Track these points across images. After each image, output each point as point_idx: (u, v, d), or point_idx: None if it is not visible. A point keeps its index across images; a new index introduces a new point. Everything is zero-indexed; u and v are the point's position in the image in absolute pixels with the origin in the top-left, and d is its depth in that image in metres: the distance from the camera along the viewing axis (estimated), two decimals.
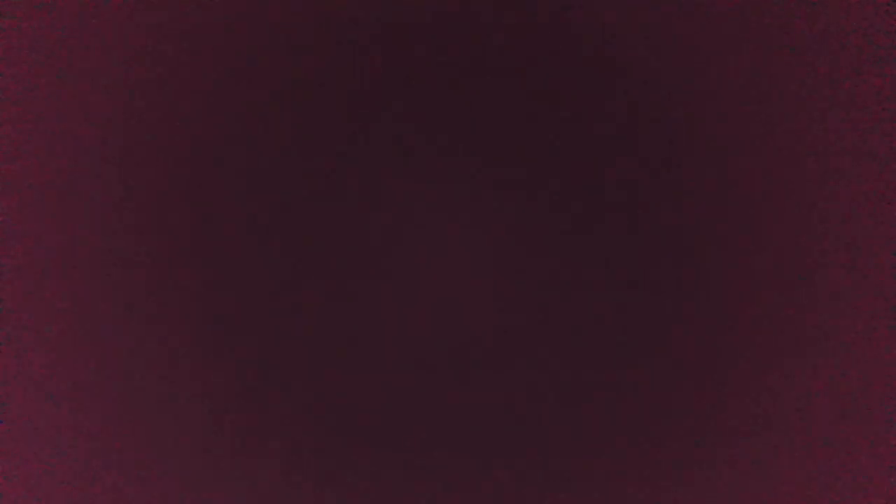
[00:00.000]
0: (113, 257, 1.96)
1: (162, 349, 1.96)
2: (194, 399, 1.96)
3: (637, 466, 1.96)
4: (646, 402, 1.98)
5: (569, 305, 2.00)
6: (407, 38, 2.00)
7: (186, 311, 1.98)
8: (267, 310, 2.00)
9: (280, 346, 2.00)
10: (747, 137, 1.96)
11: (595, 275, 2.00)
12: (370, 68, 2.01)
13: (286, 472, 1.97)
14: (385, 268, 2.02)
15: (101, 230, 1.95)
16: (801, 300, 1.94)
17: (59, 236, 1.93)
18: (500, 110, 2.01)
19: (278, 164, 2.00)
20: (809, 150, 1.93)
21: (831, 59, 1.92)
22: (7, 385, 1.90)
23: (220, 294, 1.99)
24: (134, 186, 1.96)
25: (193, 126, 1.98)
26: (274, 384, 1.99)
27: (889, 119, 1.89)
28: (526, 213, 2.01)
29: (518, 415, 2.00)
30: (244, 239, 1.99)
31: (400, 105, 2.01)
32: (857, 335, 1.91)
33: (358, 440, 1.99)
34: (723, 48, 1.95)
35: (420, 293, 2.02)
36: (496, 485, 1.98)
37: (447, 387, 2.01)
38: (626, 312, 1.99)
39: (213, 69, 1.98)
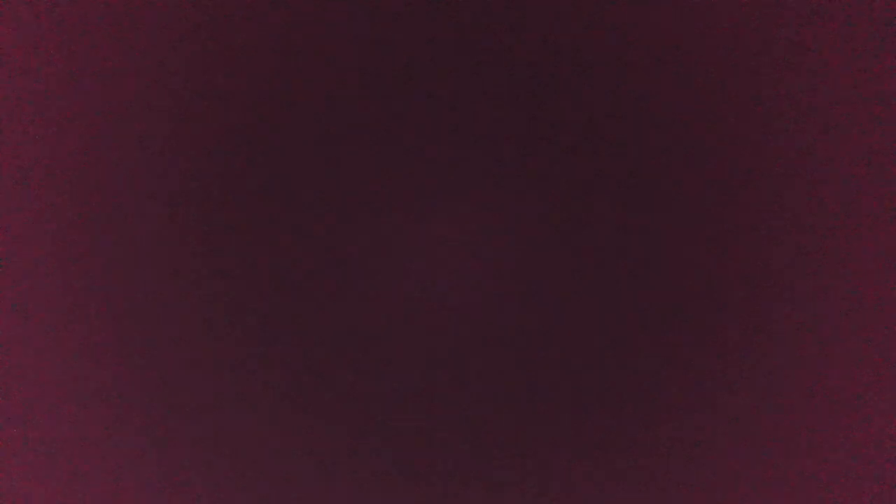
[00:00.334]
0: (113, 257, 1.96)
1: (162, 349, 1.96)
2: (194, 398, 1.97)
3: (637, 467, 1.97)
4: (646, 403, 1.98)
5: (568, 305, 2.00)
6: (407, 38, 2.00)
7: (187, 311, 1.98)
8: (267, 310, 2.00)
9: (280, 345, 2.00)
10: (748, 137, 1.96)
11: (595, 275, 2.00)
12: (370, 68, 2.01)
13: (286, 472, 1.97)
14: (385, 268, 2.02)
15: (102, 230, 1.95)
16: (801, 300, 1.94)
17: (59, 236, 1.93)
18: (500, 110, 2.01)
19: (278, 164, 2.00)
20: (809, 150, 1.94)
21: (832, 59, 1.92)
22: (7, 385, 1.90)
23: (219, 294, 1.99)
24: (134, 186, 1.96)
25: (193, 126, 1.98)
26: (274, 384, 1.99)
27: (889, 119, 1.90)
28: (526, 213, 2.02)
29: (518, 415, 2.00)
30: (244, 239, 2.00)
31: (400, 105, 2.01)
32: (857, 335, 1.92)
33: (358, 440, 1.99)
34: (723, 48, 1.95)
35: (420, 293, 2.02)
36: (496, 484, 1.98)
37: (447, 387, 2.01)
38: (626, 312, 2.00)
39: (213, 69, 1.98)
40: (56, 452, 1.91)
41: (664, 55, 1.97)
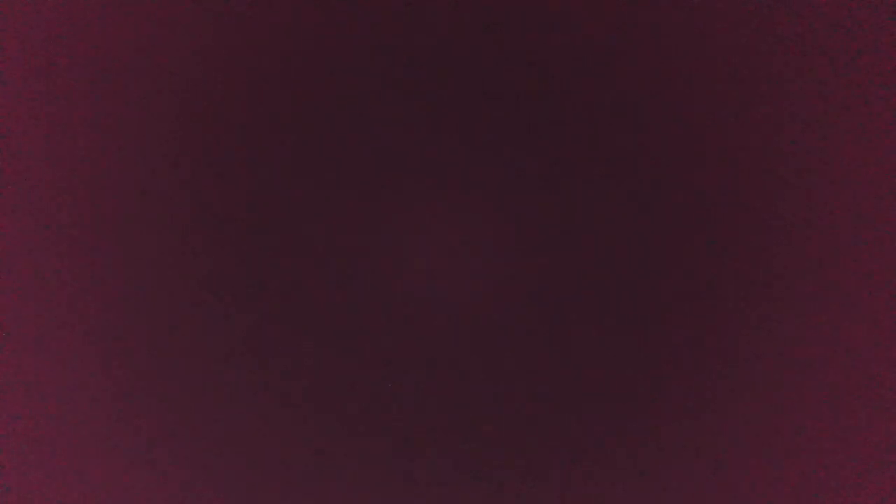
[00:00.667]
0: (113, 257, 1.95)
1: (162, 349, 1.96)
2: (194, 398, 1.96)
3: (637, 467, 1.96)
4: (646, 403, 1.98)
5: (569, 305, 2.00)
6: (407, 38, 1.99)
7: (187, 311, 1.98)
8: (267, 309, 2.00)
9: (280, 345, 2.00)
10: (748, 137, 1.96)
11: (594, 275, 2.00)
12: (370, 68, 2.00)
13: (286, 473, 1.97)
14: (384, 267, 2.02)
15: (102, 230, 1.95)
16: (802, 300, 1.94)
17: (59, 236, 1.93)
18: (500, 110, 2.01)
19: (278, 164, 1.99)
20: (810, 150, 1.93)
21: (831, 59, 1.92)
22: (7, 385, 1.90)
23: (218, 294, 1.99)
24: (134, 186, 1.96)
25: (193, 126, 1.98)
26: (274, 383, 1.99)
27: (889, 119, 1.89)
28: (526, 213, 2.01)
29: (517, 414, 2.00)
30: (244, 239, 1.99)
31: (400, 105, 2.01)
32: (857, 335, 1.92)
33: (357, 440, 1.99)
34: (723, 48, 1.95)
35: (420, 293, 2.02)
36: (495, 484, 1.98)
37: (447, 387, 2.01)
38: (626, 312, 1.99)
39: (213, 69, 1.97)
40: (55, 453, 1.91)
41: (664, 55, 1.97)
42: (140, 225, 1.97)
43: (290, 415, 1.99)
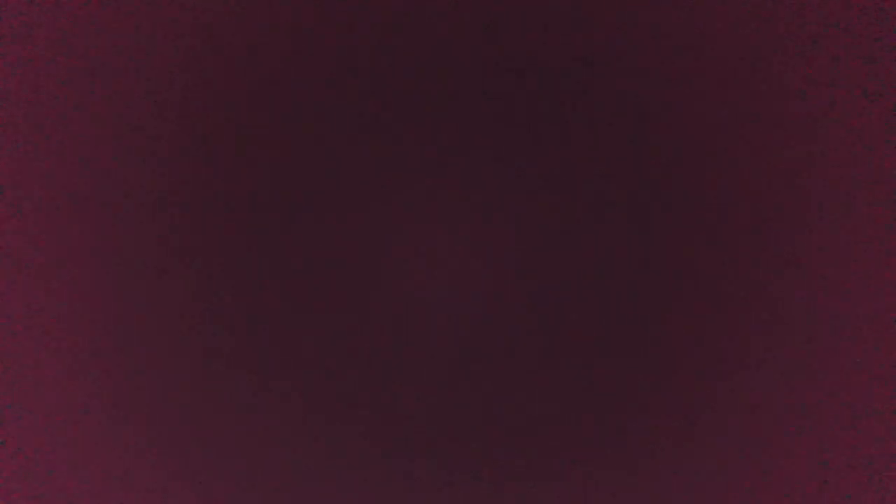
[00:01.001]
0: (113, 257, 1.95)
1: (161, 349, 1.96)
2: (194, 398, 1.96)
3: (638, 467, 1.97)
4: (645, 403, 1.98)
5: (568, 305, 2.00)
6: (407, 39, 2.00)
7: (186, 311, 1.98)
8: (267, 309, 2.00)
9: (280, 345, 2.00)
10: (749, 138, 1.96)
11: (594, 275, 2.00)
12: (370, 68, 2.00)
13: (285, 472, 1.97)
14: (384, 267, 2.02)
15: (101, 230, 1.95)
16: (801, 300, 1.94)
17: (59, 236, 1.93)
18: (499, 110, 2.01)
19: (278, 165, 1.99)
20: (810, 150, 1.93)
21: (832, 59, 1.92)
22: (7, 385, 1.90)
23: (219, 294, 1.99)
24: (134, 186, 1.96)
25: (193, 126, 1.98)
26: (273, 383, 1.99)
27: (889, 119, 1.90)
28: (526, 213, 2.02)
29: (517, 415, 2.00)
30: (244, 239, 1.99)
31: (400, 105, 2.01)
32: (856, 335, 1.92)
33: (357, 439, 1.99)
34: (723, 48, 1.95)
35: (420, 293, 2.02)
36: (494, 484, 1.98)
37: (446, 386, 2.01)
38: (626, 313, 2.00)
39: (213, 69, 1.97)
40: (54, 453, 1.91)
41: (664, 55, 1.97)
42: (140, 225, 1.97)
43: (289, 415, 1.99)
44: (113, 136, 1.95)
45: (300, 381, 1.99)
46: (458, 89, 2.01)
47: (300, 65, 1.99)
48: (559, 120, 2.00)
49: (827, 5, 1.91)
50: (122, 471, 1.93)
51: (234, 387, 1.98)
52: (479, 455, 1.99)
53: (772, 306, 1.95)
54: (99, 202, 1.95)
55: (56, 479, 1.91)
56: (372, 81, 2.01)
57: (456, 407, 2.00)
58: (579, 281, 2.00)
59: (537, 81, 2.00)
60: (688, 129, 1.98)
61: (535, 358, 2.01)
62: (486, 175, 2.02)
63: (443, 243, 2.03)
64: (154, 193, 1.96)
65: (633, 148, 1.99)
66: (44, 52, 1.90)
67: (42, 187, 1.93)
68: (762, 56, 1.94)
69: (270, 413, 1.98)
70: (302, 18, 1.98)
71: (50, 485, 1.91)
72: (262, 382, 1.99)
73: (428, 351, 2.02)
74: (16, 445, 1.90)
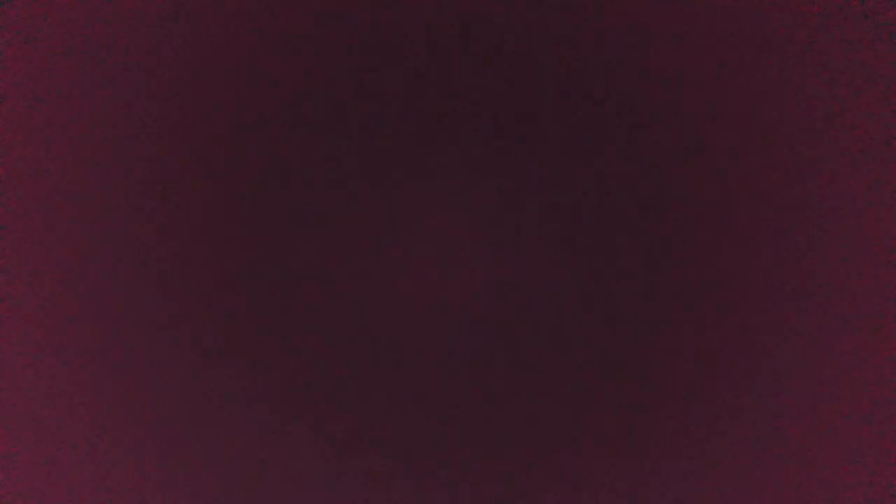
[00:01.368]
0: (113, 257, 1.95)
1: (162, 350, 1.96)
2: (194, 399, 1.96)
3: (638, 468, 1.97)
4: (646, 403, 1.98)
5: (569, 306, 2.00)
6: (407, 38, 2.00)
7: (186, 312, 1.98)
8: (266, 309, 2.00)
9: (279, 345, 2.00)
10: (749, 138, 1.96)
11: (594, 275, 2.00)
12: (370, 68, 2.00)
13: (284, 472, 1.97)
14: (384, 268, 2.02)
15: (101, 230, 1.95)
16: (802, 300, 1.94)
17: (59, 236, 1.93)
18: (500, 110, 2.01)
19: (279, 164, 1.99)
20: (810, 151, 1.94)
21: (833, 60, 1.92)
22: (6, 385, 1.90)
23: (219, 294, 1.99)
24: (134, 187, 1.96)
25: (193, 126, 1.98)
26: (273, 384, 1.99)
27: (889, 120, 1.90)
28: (526, 214, 2.02)
29: (517, 415, 2.00)
30: (244, 239, 1.99)
31: (400, 105, 2.01)
32: (857, 335, 1.92)
33: (356, 440, 1.99)
34: (723, 48, 1.95)
35: (419, 293, 2.02)
36: (494, 485, 1.98)
37: (446, 387, 2.01)
38: (626, 313, 1.99)
39: (213, 69, 1.97)
40: (55, 452, 1.91)
41: (665, 54, 1.97)
42: (139, 225, 1.96)
43: (288, 415, 1.98)
44: (112, 136, 1.95)
45: (300, 380, 1.99)
46: (458, 89, 2.01)
47: (300, 64, 1.99)
48: (560, 119, 2.00)
49: (827, 5, 1.92)
50: (121, 471, 1.93)
51: (232, 387, 1.98)
52: (479, 455, 1.99)
53: (773, 306, 1.95)
54: (98, 202, 1.95)
55: (54, 480, 1.91)
56: (372, 81, 2.01)
57: (456, 407, 2.00)
58: (580, 281, 2.00)
59: (538, 81, 2.00)
60: (689, 129, 1.98)
61: (536, 358, 2.01)
62: (487, 175, 2.02)
63: (443, 243, 2.03)
64: (153, 193, 1.96)
65: (635, 149, 1.99)
66: (43, 52, 1.90)
67: (41, 187, 1.92)
68: (763, 55, 1.94)
69: (269, 413, 1.98)
70: (303, 18, 1.98)
71: (48, 484, 1.91)
72: (261, 382, 1.99)
73: (428, 351, 2.01)
74: (14, 446, 1.90)
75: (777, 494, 1.92)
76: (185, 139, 1.97)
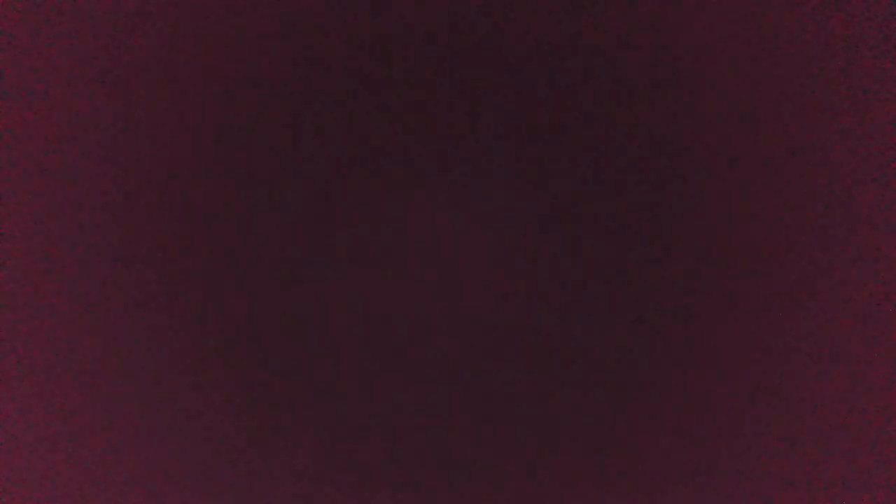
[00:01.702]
0: (113, 257, 1.95)
1: (161, 350, 1.96)
2: (193, 399, 1.96)
3: (638, 468, 1.96)
4: (646, 404, 1.98)
5: (570, 306, 2.00)
6: (407, 38, 2.00)
7: (186, 312, 1.98)
8: (266, 310, 2.00)
9: (279, 346, 2.00)
10: (750, 138, 1.96)
11: (595, 276, 2.00)
12: (370, 67, 2.01)
13: (284, 472, 1.97)
14: (384, 268, 2.02)
15: (101, 230, 1.95)
16: (803, 301, 1.94)
17: (58, 236, 1.93)
18: (500, 110, 2.01)
19: (279, 164, 2.00)
20: (811, 151, 1.94)
21: (833, 60, 1.92)
22: (7, 385, 1.90)
23: (219, 294, 1.99)
24: (134, 186, 1.96)
25: (193, 126, 1.98)
26: (273, 384, 1.99)
27: (889, 119, 1.90)
28: (526, 214, 2.02)
29: (518, 416, 2.00)
30: (243, 239, 1.99)
31: (400, 104, 2.01)
32: (857, 336, 1.92)
33: (357, 440, 1.99)
34: (724, 49, 1.95)
35: (420, 293, 2.02)
36: (494, 485, 1.98)
37: (447, 387, 2.01)
38: (627, 313, 2.00)
39: (213, 69, 1.98)
40: (55, 452, 1.91)
41: (665, 54, 1.97)
42: (140, 223, 1.97)
43: (287, 414, 1.98)
44: (112, 135, 1.95)
45: (299, 380, 1.99)
46: (459, 88, 2.01)
47: (300, 63, 1.99)
48: (561, 120, 2.00)
49: (828, 6, 1.92)
50: (120, 472, 1.93)
51: (232, 387, 1.98)
52: (479, 455, 1.99)
53: (775, 307, 1.95)
54: (98, 201, 1.95)
55: (52, 480, 1.91)
56: (371, 80, 2.01)
57: (455, 408, 2.00)
58: (581, 281, 2.00)
59: (539, 80, 2.00)
60: (690, 129, 1.98)
61: (535, 359, 2.01)
62: (487, 175, 2.02)
63: (443, 243, 2.03)
64: (152, 192, 1.96)
65: (636, 149, 1.99)
66: (43, 52, 1.90)
67: (41, 186, 1.93)
68: (762, 55, 1.94)
69: (269, 413, 1.98)
70: (302, 17, 1.98)
71: (46, 484, 1.91)
72: (261, 382, 1.99)
73: (427, 352, 2.01)
74: (12, 446, 1.90)
75: (779, 498, 1.92)
76: (185, 139, 1.97)
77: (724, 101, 1.96)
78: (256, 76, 1.98)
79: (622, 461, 1.96)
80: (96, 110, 1.94)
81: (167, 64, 1.96)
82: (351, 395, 1.99)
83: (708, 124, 1.97)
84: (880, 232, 1.91)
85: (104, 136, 1.94)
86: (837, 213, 1.93)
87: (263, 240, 1.99)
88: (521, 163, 2.01)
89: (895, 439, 1.89)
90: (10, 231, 1.90)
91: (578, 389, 1.99)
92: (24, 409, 1.91)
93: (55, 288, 1.93)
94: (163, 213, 1.97)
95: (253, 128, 1.99)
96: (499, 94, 2.01)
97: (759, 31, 1.93)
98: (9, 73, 1.89)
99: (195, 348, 1.97)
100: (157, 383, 1.95)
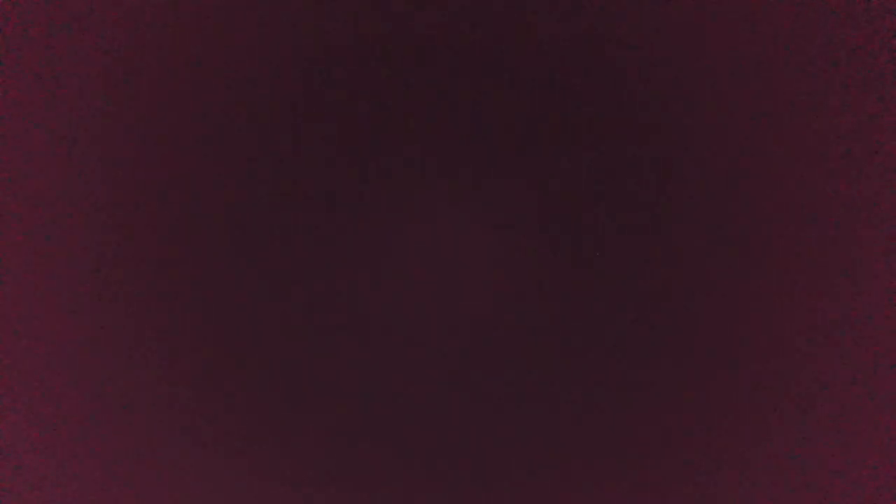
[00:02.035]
0: (113, 257, 1.96)
1: (159, 349, 1.96)
2: (192, 399, 1.96)
3: (639, 468, 1.96)
4: (647, 405, 1.98)
5: (571, 307, 2.00)
6: (407, 38, 2.00)
7: (186, 312, 1.98)
8: (266, 309, 2.00)
9: (278, 345, 2.00)
10: (750, 139, 1.96)
11: (596, 276, 2.00)
12: (370, 67, 2.01)
13: (283, 473, 1.97)
14: (384, 268, 2.02)
15: (100, 230, 1.95)
16: (804, 301, 1.94)
17: (57, 236, 1.93)
18: (501, 110, 2.01)
19: (279, 164, 2.00)
20: (811, 151, 1.93)
21: (833, 60, 1.92)
22: (7, 385, 1.90)
23: (218, 294, 1.99)
24: (134, 186, 1.96)
25: (192, 126, 1.98)
26: (272, 384, 1.99)
27: (890, 120, 1.89)
28: (527, 214, 2.02)
29: (518, 416, 2.00)
30: (243, 239, 2.00)
31: (400, 104, 2.01)
32: (857, 336, 1.91)
33: (356, 440, 1.99)
34: (724, 49, 1.95)
35: (420, 294, 2.02)
36: (494, 485, 1.98)
37: (447, 388, 2.01)
38: (628, 314, 1.99)
39: (213, 69, 1.98)
40: (54, 452, 1.91)
41: (666, 56, 1.97)
42: (137, 225, 1.97)
43: (288, 416, 1.98)
44: (110, 135, 1.95)
45: (298, 380, 1.99)
46: (458, 88, 2.01)
47: (299, 63, 2.00)
48: (562, 119, 2.00)
49: (828, 6, 1.91)
50: (120, 472, 1.93)
51: (230, 386, 1.98)
52: (479, 456, 1.99)
53: (778, 306, 1.95)
54: (97, 201, 1.95)
55: (54, 480, 1.91)
56: (371, 80, 2.01)
57: (455, 408, 2.00)
58: (581, 281, 2.00)
59: (540, 80, 2.00)
60: (690, 129, 1.98)
61: (536, 359, 2.01)
62: (487, 174, 2.02)
63: (442, 244, 2.03)
64: (150, 191, 1.97)
65: (637, 149, 1.99)
66: (44, 52, 1.91)
67: (40, 186, 1.93)
68: (764, 55, 1.94)
69: (269, 413, 1.98)
70: (301, 16, 1.99)
71: (48, 485, 1.91)
72: (259, 382, 1.99)
73: (427, 353, 2.01)
74: (11, 447, 1.90)
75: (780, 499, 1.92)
76: (183, 138, 1.98)
77: (725, 102, 1.96)
78: (256, 76, 1.98)
79: (623, 461, 1.96)
80: (96, 110, 1.94)
81: (167, 64, 1.96)
82: (351, 395, 2.00)
83: (711, 123, 1.97)
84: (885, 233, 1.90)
85: (104, 135, 1.95)
86: (846, 213, 1.93)
87: (263, 240, 1.99)
88: (521, 162, 2.01)
89: None
90: (9, 230, 1.91)
91: (579, 390, 1.99)
92: (24, 410, 1.91)
93: (55, 288, 1.93)
94: (163, 213, 1.97)
95: (252, 127, 1.99)
96: (499, 93, 2.01)
97: (770, 29, 1.93)
98: (9, 73, 1.89)
99: (194, 348, 1.97)
100: (157, 383, 1.96)
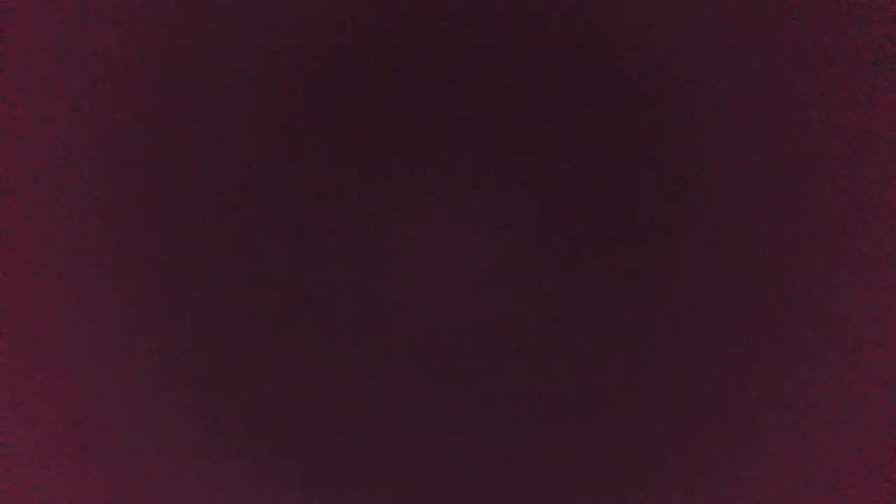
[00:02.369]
0: (112, 257, 1.96)
1: (158, 350, 1.96)
2: (192, 399, 1.96)
3: (640, 469, 1.96)
4: (647, 405, 1.97)
5: (571, 307, 2.00)
6: (407, 38, 2.00)
7: (186, 311, 1.98)
8: (266, 309, 2.00)
9: (278, 345, 2.00)
10: (751, 139, 1.95)
11: (596, 277, 2.00)
12: (371, 67, 2.01)
13: (282, 473, 1.97)
14: (384, 268, 2.02)
15: (100, 230, 1.95)
16: (805, 302, 1.94)
17: (57, 236, 1.93)
18: (501, 110, 2.01)
19: (278, 164, 2.00)
20: (811, 151, 1.93)
21: (833, 60, 1.92)
22: (7, 385, 1.90)
23: (218, 294, 1.99)
24: (134, 186, 1.96)
25: (192, 126, 1.98)
26: (272, 384, 1.99)
27: (889, 120, 1.89)
28: (527, 214, 2.01)
29: (519, 417, 2.00)
30: (243, 238, 2.00)
31: (400, 104, 2.01)
32: (858, 337, 1.91)
33: (356, 440, 1.99)
34: (725, 49, 1.95)
35: (420, 294, 2.02)
36: (494, 485, 1.98)
37: (446, 387, 2.01)
38: (628, 315, 1.99)
39: (212, 69, 1.98)
40: (54, 453, 1.91)
41: (667, 55, 1.97)
42: (137, 225, 1.97)
43: (288, 416, 1.99)
44: (110, 134, 1.95)
45: (298, 380, 1.99)
46: (458, 87, 2.01)
47: (300, 62, 1.99)
48: (562, 119, 2.00)
49: (829, 6, 1.91)
50: (120, 472, 1.93)
51: (231, 386, 1.98)
52: (479, 456, 1.99)
53: (778, 307, 1.95)
54: (96, 201, 1.95)
55: (55, 480, 1.91)
56: (370, 79, 2.01)
57: (455, 408, 2.00)
58: (581, 281, 2.00)
59: (540, 80, 2.00)
60: (692, 130, 1.98)
61: (536, 359, 2.00)
62: (487, 174, 2.02)
63: (443, 243, 2.02)
64: (150, 191, 1.97)
65: (637, 149, 1.99)
66: (44, 51, 1.91)
67: (40, 186, 1.93)
68: (764, 55, 1.94)
69: (268, 413, 1.98)
70: (302, 16, 1.99)
71: (48, 486, 1.91)
72: (260, 382, 1.99)
73: (427, 352, 2.01)
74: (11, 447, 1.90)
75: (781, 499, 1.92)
76: (183, 137, 1.98)
77: (727, 102, 1.96)
78: (256, 75, 1.98)
79: (623, 461, 1.96)
80: (95, 109, 1.94)
81: (167, 63, 1.96)
82: (350, 394, 2.00)
83: (711, 123, 1.97)
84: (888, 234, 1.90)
85: (104, 135, 1.95)
86: (846, 215, 1.92)
87: (263, 239, 1.99)
88: (521, 162, 2.01)
89: None
90: (9, 230, 1.91)
91: (580, 390, 1.98)
92: (24, 409, 1.91)
93: (55, 288, 1.94)
94: (162, 212, 1.97)
95: (252, 127, 1.99)
96: (499, 93, 2.01)
97: (770, 29, 1.93)
98: (9, 73, 1.89)
99: (194, 348, 1.97)
100: (156, 383, 1.96)
